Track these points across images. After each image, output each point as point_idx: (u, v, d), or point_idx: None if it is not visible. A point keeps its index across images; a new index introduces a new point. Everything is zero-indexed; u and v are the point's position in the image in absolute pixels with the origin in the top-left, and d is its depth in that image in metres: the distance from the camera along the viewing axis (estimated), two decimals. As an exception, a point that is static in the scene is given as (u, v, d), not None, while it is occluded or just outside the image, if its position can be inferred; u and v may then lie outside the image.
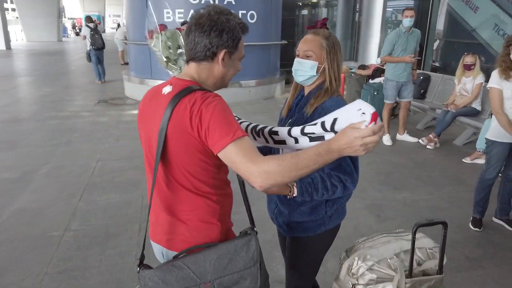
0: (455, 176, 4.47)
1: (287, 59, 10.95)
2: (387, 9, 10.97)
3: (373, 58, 10.50)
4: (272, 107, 7.95)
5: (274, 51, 9.00)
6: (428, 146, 5.43)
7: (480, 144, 4.83)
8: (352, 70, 7.91)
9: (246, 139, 1.15)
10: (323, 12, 17.61)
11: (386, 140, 5.52)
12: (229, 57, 1.30)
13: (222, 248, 1.26)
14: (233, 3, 7.84)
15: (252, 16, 8.12)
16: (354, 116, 1.08)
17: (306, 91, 1.64)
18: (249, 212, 1.45)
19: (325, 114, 1.27)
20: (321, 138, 1.25)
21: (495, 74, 3.00)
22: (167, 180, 1.31)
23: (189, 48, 1.30)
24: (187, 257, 1.27)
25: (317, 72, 1.55)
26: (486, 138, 3.18)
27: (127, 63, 12.46)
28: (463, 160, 4.94)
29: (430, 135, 5.48)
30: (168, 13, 7.76)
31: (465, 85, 5.43)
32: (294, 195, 1.45)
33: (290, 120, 1.64)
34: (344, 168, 1.46)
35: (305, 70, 1.56)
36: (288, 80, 9.38)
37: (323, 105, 1.51)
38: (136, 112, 7.75)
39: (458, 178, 4.42)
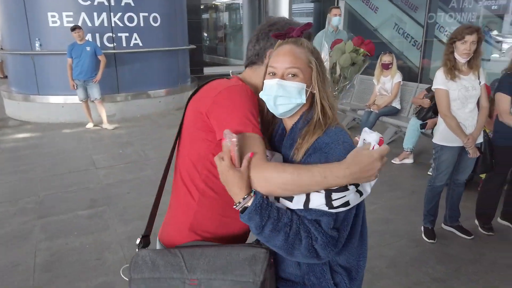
0: (390, 181, 4.30)
1: (196, 64, 10.33)
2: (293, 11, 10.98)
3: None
4: (187, 118, 7.24)
5: (182, 57, 8.29)
6: (355, 149, 5.27)
7: (407, 144, 4.79)
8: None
9: (257, 137, 1.07)
10: (226, 16, 17.32)
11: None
12: None
13: (225, 248, 1.11)
14: (132, 4, 6.98)
15: (155, 19, 7.32)
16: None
17: (289, 124, 1.15)
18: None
19: (322, 154, 1.04)
20: None
21: (440, 75, 2.77)
22: (176, 166, 1.29)
23: (247, 56, 1.31)
24: (186, 247, 1.15)
25: (305, 99, 1.11)
26: (433, 143, 2.96)
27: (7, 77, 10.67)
28: (392, 161, 4.84)
29: (356, 138, 5.31)
30: (53, 16, 6.60)
31: (384, 84, 5.39)
32: (248, 204, 1.00)
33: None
34: (322, 224, 1.03)
35: (290, 96, 1.09)
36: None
37: (316, 145, 1.06)
38: (21, 135, 6.57)
39: (394, 183, 4.25)
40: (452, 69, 2.70)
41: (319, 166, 1.00)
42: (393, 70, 5.31)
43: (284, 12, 10.52)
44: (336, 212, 1.03)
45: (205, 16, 17.59)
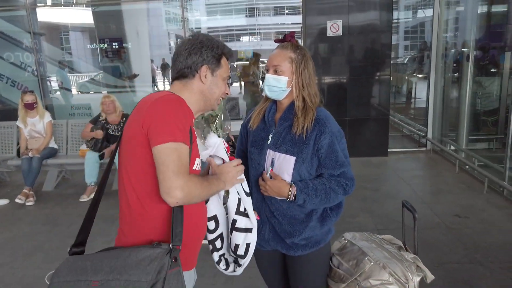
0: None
1: None
2: None
3: None
4: None
5: None
6: (27, 203, 4.52)
7: (90, 178, 4.65)
8: None
9: (184, 147, 1.16)
10: None
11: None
12: (211, 74, 1.36)
13: (126, 250, 1.17)
14: None
15: None
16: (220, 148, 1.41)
17: (284, 103, 1.60)
18: (173, 227, 1.19)
19: (323, 128, 1.49)
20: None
21: None
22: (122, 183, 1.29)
23: (177, 69, 1.35)
24: (101, 251, 1.22)
25: (288, 87, 1.55)
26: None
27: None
28: (80, 200, 4.55)
29: (25, 190, 4.61)
30: None
31: (35, 126, 4.86)
32: (294, 193, 1.48)
33: (268, 133, 1.60)
34: (346, 174, 1.53)
35: (275, 85, 1.55)
36: None
37: (317, 120, 1.52)
38: None
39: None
40: None
41: (212, 177, 1.30)
42: (40, 110, 4.87)
43: None
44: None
45: None
